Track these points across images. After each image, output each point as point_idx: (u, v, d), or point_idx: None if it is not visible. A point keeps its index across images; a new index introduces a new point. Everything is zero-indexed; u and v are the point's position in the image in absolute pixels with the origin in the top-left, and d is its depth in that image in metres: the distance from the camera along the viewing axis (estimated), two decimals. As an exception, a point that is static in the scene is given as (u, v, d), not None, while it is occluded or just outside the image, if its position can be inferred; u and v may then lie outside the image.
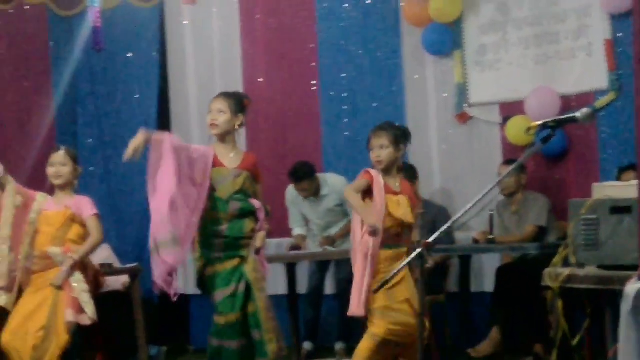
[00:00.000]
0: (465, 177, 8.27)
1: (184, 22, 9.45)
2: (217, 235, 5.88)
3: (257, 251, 5.93)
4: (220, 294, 5.89)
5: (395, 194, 5.88)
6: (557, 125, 4.24)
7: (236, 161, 6.03)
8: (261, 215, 5.98)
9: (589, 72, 7.71)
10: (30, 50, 9.39)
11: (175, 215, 5.71)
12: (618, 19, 7.54)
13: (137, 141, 5.80)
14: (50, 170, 6.47)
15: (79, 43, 9.45)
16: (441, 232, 4.45)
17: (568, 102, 7.71)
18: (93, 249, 6.45)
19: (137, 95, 9.60)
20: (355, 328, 7.89)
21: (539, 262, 6.51)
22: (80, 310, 6.22)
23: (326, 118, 8.64)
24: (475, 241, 7.45)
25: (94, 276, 6.55)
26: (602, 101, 7.63)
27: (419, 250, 4.41)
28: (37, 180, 9.04)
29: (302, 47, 9.00)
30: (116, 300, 8.14)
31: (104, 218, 8.65)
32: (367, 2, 8.69)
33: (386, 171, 5.92)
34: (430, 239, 4.39)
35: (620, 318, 3.87)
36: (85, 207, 6.45)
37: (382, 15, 8.64)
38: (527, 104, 7.80)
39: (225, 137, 6.05)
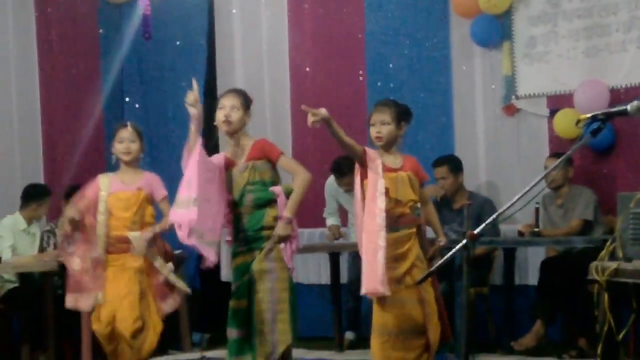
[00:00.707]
0: (512, 169, 8.23)
1: (233, 11, 9.48)
2: (240, 229, 5.85)
3: (280, 240, 5.75)
4: (234, 285, 5.90)
5: (394, 170, 5.69)
6: (607, 118, 4.21)
7: (242, 155, 5.96)
8: (281, 200, 5.84)
9: (639, 64, 7.63)
10: (80, 38, 9.47)
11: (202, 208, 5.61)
12: (670, 11, 7.48)
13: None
14: (119, 147, 6.37)
15: (128, 31, 9.53)
16: (486, 224, 4.44)
17: (617, 95, 7.64)
18: (164, 229, 6.32)
19: (184, 83, 9.64)
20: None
21: (583, 256, 6.48)
22: (165, 297, 6.32)
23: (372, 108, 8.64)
24: (521, 234, 7.42)
25: (168, 258, 6.60)
26: (652, 95, 7.56)
27: (464, 241, 4.41)
28: (86, 165, 9.19)
29: (350, 37, 8.99)
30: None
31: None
32: (415, -8, 8.68)
33: (385, 148, 5.76)
34: (476, 231, 4.39)
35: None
36: (157, 188, 6.42)
37: (431, 6, 8.61)
38: (576, 96, 7.75)
39: (235, 134, 6.00)
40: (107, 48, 9.67)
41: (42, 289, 7.55)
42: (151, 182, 6.43)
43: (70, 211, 6.22)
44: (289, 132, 9.22)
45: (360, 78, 8.84)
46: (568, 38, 7.98)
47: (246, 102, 6.08)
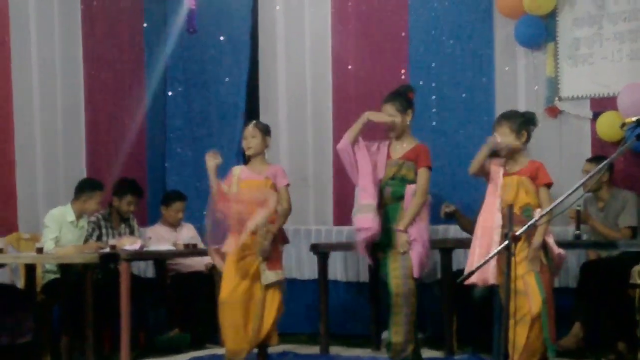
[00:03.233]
0: (554, 171, 8.08)
1: (277, 7, 9.51)
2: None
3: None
4: None
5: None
6: (652, 122, 4.19)
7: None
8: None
9: (683, 68, 7.60)
10: (125, 32, 9.52)
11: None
12: None
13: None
14: (243, 143, 7.18)
15: (173, 25, 9.59)
16: (528, 226, 4.45)
17: (661, 99, 7.60)
18: (285, 218, 7.10)
19: (227, 79, 9.71)
20: (434, 317, 7.92)
21: (624, 260, 6.46)
22: (278, 266, 7.02)
23: (415, 107, 8.62)
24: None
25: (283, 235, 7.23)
26: (696, 99, 7.50)
27: (506, 242, 4.41)
28: (129, 159, 9.26)
29: (392, 36, 8.98)
30: (199, 281, 8.25)
31: (191, 199, 8.84)
32: (459, -9, 8.66)
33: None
34: (518, 232, 4.40)
35: None
36: (280, 176, 7.13)
37: (475, 6, 8.59)
38: (619, 99, 7.70)
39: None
40: (151, 42, 9.73)
41: (82, 280, 7.62)
42: (276, 172, 7.15)
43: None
44: (330, 130, 9.23)
45: (403, 77, 8.82)
46: (613, 40, 7.94)
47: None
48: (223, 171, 7.14)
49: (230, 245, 6.89)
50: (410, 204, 6.67)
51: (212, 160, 6.98)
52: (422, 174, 6.74)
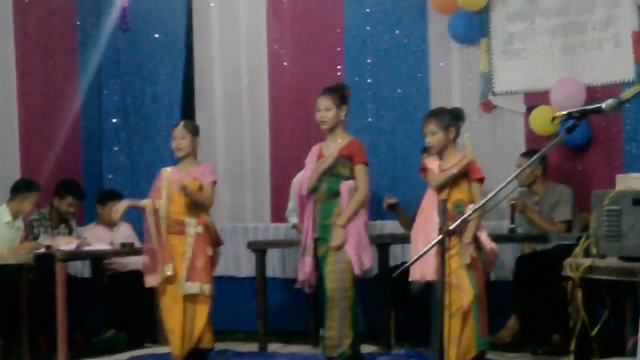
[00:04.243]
0: (488, 166, 8.18)
1: (211, 4, 9.47)
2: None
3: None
4: None
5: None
6: (582, 115, 4.23)
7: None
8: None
9: (615, 63, 7.67)
10: (58, 29, 9.41)
11: None
12: (646, 11, 7.51)
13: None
14: (172, 144, 7.19)
15: (107, 22, 9.51)
16: (462, 221, 4.48)
17: (593, 93, 7.67)
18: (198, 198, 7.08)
19: (162, 77, 9.65)
20: (372, 313, 7.94)
21: (559, 253, 6.51)
22: (204, 279, 7.01)
23: (350, 103, 8.59)
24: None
25: (216, 237, 7.28)
26: (628, 93, 7.59)
27: (440, 237, 4.44)
28: (64, 158, 9.16)
29: (327, 32, 8.99)
30: (136, 280, 8.19)
31: (127, 197, 8.77)
32: (394, -12, 8.69)
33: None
34: (451, 227, 4.42)
35: (640, 309, 3.87)
36: (208, 173, 7.16)
37: (409, 2, 8.62)
38: (552, 94, 7.77)
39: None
40: (84, 40, 9.62)
41: (17, 282, 7.53)
42: (203, 171, 7.18)
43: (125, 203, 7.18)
44: (266, 126, 9.22)
45: (338, 73, 8.83)
46: (545, 35, 8.01)
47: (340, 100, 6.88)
48: (154, 172, 7.16)
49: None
50: (351, 199, 6.67)
51: (121, 206, 7.08)
52: (360, 170, 6.74)
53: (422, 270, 6.20)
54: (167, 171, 7.20)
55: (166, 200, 7.06)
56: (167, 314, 7.06)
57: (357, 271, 6.61)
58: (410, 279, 6.34)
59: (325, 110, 6.80)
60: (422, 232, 6.32)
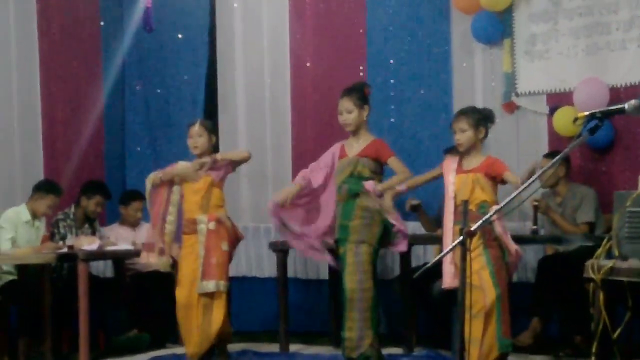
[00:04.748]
0: (511, 167, 8.14)
1: (234, 5, 9.47)
2: None
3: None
4: None
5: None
6: (605, 116, 4.22)
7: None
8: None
9: (639, 63, 7.63)
10: (81, 30, 9.44)
11: None
12: (670, 11, 7.47)
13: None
14: (189, 142, 7.23)
15: (130, 23, 9.54)
16: (484, 221, 4.46)
17: (617, 94, 7.62)
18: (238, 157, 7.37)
19: (185, 77, 9.67)
20: (394, 314, 7.93)
21: (581, 254, 6.47)
22: (219, 276, 7.03)
23: (373, 104, 8.57)
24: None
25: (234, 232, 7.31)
26: (651, 94, 7.55)
27: (460, 238, 4.42)
28: (87, 159, 9.19)
29: (350, 32, 8.98)
30: (158, 281, 8.21)
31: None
32: (417, -12, 8.67)
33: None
34: (473, 227, 4.41)
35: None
36: (220, 169, 7.21)
37: (432, 2, 8.60)
38: (575, 94, 7.74)
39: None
40: (108, 40, 9.65)
41: (40, 281, 7.57)
42: (219, 165, 7.19)
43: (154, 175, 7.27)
44: (288, 126, 9.22)
45: (361, 73, 8.82)
46: (568, 36, 7.97)
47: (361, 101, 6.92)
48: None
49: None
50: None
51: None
52: (393, 161, 6.83)
53: (445, 279, 6.33)
54: (182, 165, 7.29)
55: (178, 196, 7.22)
56: (182, 314, 7.09)
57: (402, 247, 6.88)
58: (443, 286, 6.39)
59: (347, 112, 6.82)
60: (444, 235, 6.36)
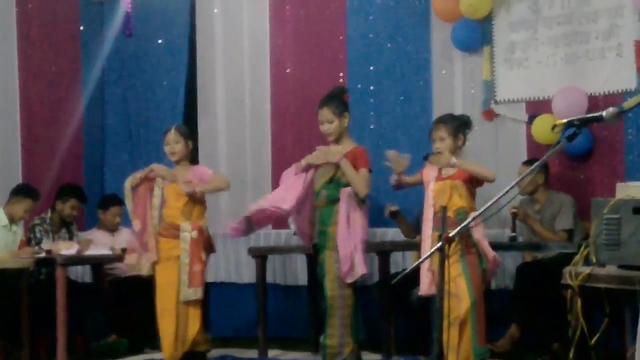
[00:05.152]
0: (490, 174, 8.24)
1: (215, 10, 9.47)
2: None
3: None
4: None
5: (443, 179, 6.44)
6: (583, 123, 4.24)
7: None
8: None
9: (618, 72, 7.66)
10: (61, 34, 9.43)
11: None
12: (649, 20, 7.52)
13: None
14: (166, 149, 7.27)
15: (110, 28, 9.52)
16: (462, 227, 4.48)
17: (596, 102, 7.65)
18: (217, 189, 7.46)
19: (165, 82, 9.66)
20: (373, 320, 7.94)
21: (559, 261, 6.50)
22: (200, 284, 7.08)
23: (352, 110, 8.56)
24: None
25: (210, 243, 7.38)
26: (630, 102, 7.57)
27: (439, 244, 4.44)
28: (66, 164, 9.16)
29: (330, 39, 8.99)
30: (137, 286, 8.19)
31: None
32: (397, -5, 8.69)
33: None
34: (452, 233, 4.42)
35: None
36: (205, 173, 7.32)
37: (412, 9, 8.60)
38: (554, 102, 7.76)
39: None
40: (88, 45, 9.64)
41: (18, 286, 7.54)
42: (201, 173, 7.31)
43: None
44: (268, 132, 9.22)
45: (341, 80, 8.82)
46: (548, 44, 8.00)
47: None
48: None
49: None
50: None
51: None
52: (362, 173, 6.76)
53: (422, 286, 6.33)
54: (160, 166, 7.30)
55: (159, 200, 7.22)
56: (161, 318, 7.12)
57: (347, 279, 6.61)
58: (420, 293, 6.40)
59: (329, 122, 6.81)
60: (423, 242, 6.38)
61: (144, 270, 7.25)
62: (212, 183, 7.26)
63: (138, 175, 7.24)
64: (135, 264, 7.26)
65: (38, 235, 8.26)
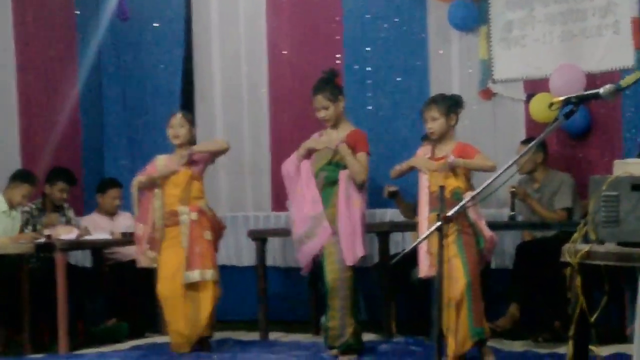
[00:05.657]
0: (488, 153, 8.13)
1: (211, -7, 9.46)
2: None
3: None
4: None
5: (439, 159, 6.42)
6: (580, 101, 4.24)
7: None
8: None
9: (615, 50, 7.65)
10: (56, 19, 9.40)
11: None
12: (646, -3, 7.50)
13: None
14: (170, 132, 7.33)
15: (105, 12, 9.49)
16: (460, 207, 4.48)
17: (593, 80, 7.63)
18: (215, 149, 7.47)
19: (162, 66, 9.64)
20: (373, 301, 7.95)
21: (559, 240, 6.50)
22: (204, 265, 7.13)
23: (350, 92, 8.57)
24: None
25: (216, 222, 7.45)
26: (627, 79, 7.56)
27: (438, 223, 4.44)
28: (64, 147, 9.16)
29: (327, 20, 8.97)
30: (137, 270, 8.19)
31: (128, 187, 8.80)
32: (393, -24, 8.66)
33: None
34: (449, 213, 4.42)
35: (638, 293, 3.86)
36: (200, 157, 7.30)
37: (409, -11, 8.61)
38: (552, 81, 7.75)
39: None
40: (83, 29, 9.61)
41: (18, 271, 7.54)
42: (197, 158, 7.27)
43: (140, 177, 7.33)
44: (266, 116, 9.23)
45: (338, 61, 8.80)
46: (544, 22, 7.99)
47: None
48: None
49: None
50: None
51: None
52: (361, 157, 6.73)
53: (421, 268, 6.33)
54: (161, 159, 7.35)
55: (160, 190, 7.24)
56: (166, 305, 7.16)
57: (348, 262, 6.61)
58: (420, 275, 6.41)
59: (324, 109, 6.79)
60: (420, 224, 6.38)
61: (157, 262, 7.31)
62: (210, 144, 7.51)
63: (143, 180, 7.29)
64: (149, 262, 7.36)
65: (32, 222, 8.22)
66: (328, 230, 6.65)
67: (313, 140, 6.89)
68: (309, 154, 6.89)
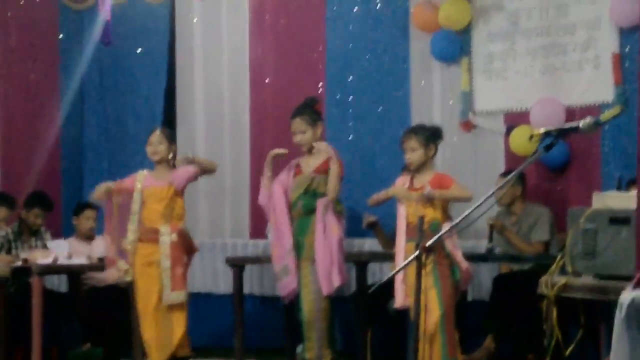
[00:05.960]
0: (468, 185, 8.20)
1: (194, 20, 9.46)
2: None
3: None
4: None
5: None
6: (560, 133, 4.27)
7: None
8: None
9: (595, 84, 7.70)
10: (40, 42, 9.41)
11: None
12: (627, 33, 7.54)
13: None
14: (149, 149, 7.29)
15: (89, 36, 9.49)
16: (439, 237, 4.48)
17: (573, 114, 7.67)
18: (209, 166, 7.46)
19: (144, 91, 9.64)
20: (349, 331, 7.93)
21: (536, 272, 6.51)
22: (182, 287, 7.09)
23: (331, 121, 8.62)
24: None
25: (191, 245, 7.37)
26: (607, 114, 7.60)
27: (417, 253, 4.44)
28: (44, 171, 9.12)
29: (310, 50, 9.00)
30: (113, 295, 8.16)
31: (103, 210, 8.77)
32: (376, 6, 8.68)
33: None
34: (428, 243, 4.43)
35: (614, 326, 3.86)
36: (186, 170, 7.26)
37: (391, 20, 8.62)
38: (532, 114, 7.79)
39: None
40: (67, 53, 9.61)
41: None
42: (178, 173, 7.25)
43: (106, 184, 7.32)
44: (247, 142, 9.22)
45: (320, 90, 8.82)
46: (526, 55, 8.03)
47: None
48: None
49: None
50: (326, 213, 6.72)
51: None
52: (333, 169, 6.89)
53: (397, 298, 6.32)
54: (143, 174, 7.32)
55: (139, 205, 7.18)
56: (143, 323, 7.11)
57: (325, 291, 6.61)
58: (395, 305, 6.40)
59: (301, 133, 6.84)
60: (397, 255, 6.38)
61: (129, 276, 7.20)
62: (206, 159, 7.53)
63: (111, 186, 7.31)
64: (118, 275, 7.30)
65: (6, 245, 8.17)
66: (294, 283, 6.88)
67: (270, 160, 7.10)
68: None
